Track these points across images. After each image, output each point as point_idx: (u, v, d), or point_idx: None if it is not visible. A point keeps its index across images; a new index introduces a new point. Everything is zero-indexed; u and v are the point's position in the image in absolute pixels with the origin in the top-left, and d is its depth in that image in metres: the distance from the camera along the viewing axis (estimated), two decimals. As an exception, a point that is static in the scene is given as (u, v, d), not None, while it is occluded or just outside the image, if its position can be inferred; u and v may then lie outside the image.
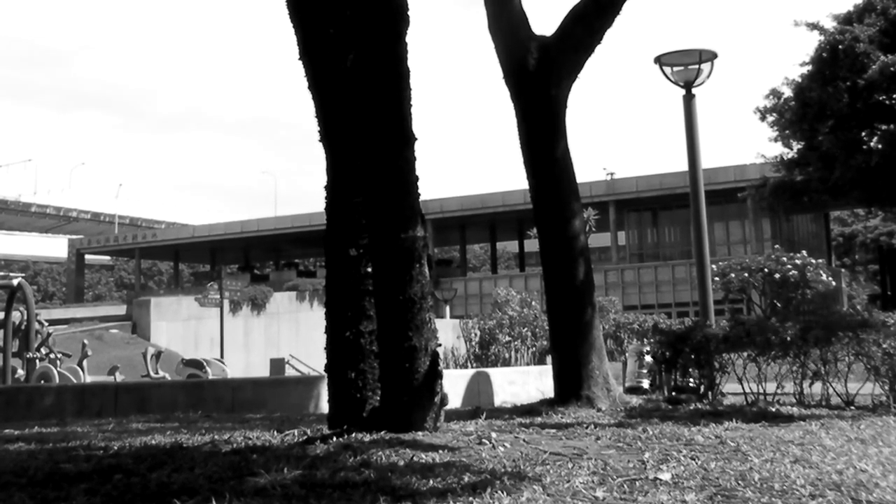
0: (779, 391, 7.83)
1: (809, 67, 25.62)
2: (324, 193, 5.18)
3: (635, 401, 7.20)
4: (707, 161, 13.12)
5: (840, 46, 24.33)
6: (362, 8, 4.72)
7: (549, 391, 7.28)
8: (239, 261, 64.69)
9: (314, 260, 64.96)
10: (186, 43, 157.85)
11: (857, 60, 23.90)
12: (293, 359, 26.99)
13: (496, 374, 11.28)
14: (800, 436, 4.47)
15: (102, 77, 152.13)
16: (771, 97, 27.03)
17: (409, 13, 4.74)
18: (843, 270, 43.76)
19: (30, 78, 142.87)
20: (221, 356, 26.34)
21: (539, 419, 5.58)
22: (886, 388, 7.14)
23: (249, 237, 56.18)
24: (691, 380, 8.32)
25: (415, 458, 3.55)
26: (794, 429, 4.85)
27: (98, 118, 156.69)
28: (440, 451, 3.76)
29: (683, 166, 10.80)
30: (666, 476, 3.09)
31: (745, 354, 7.96)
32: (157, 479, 3.24)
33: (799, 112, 25.71)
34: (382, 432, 4.30)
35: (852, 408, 6.88)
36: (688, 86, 10.13)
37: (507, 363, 16.13)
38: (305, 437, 4.49)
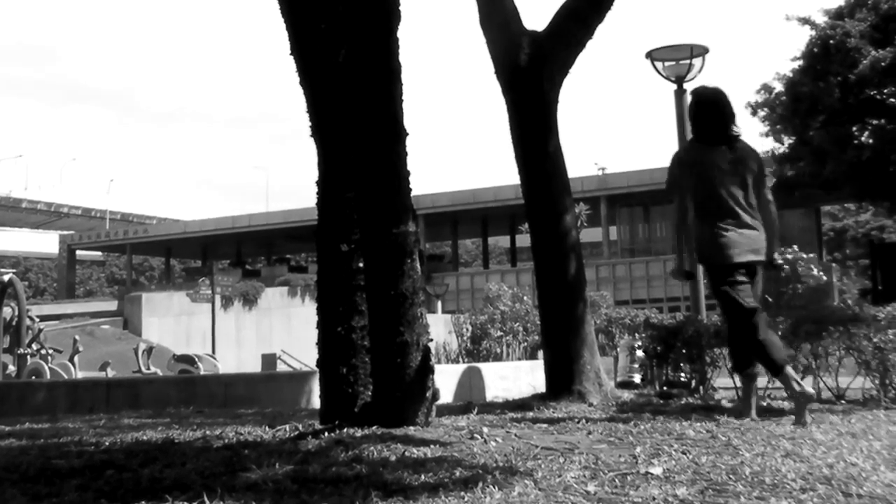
0: (770, 385, 7.86)
1: (801, 62, 25.70)
2: (315, 188, 5.17)
3: (627, 395, 7.21)
4: (698, 156, 13.08)
5: (831, 41, 24.41)
6: (354, 3, 4.71)
7: (540, 386, 7.28)
8: (230, 256, 64.56)
9: (306, 255, 64.91)
10: (177, 37, 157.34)
11: (849, 55, 23.99)
12: (285, 354, 26.93)
13: (488, 369, 11.28)
14: (791, 430, 4.49)
15: (93, 71, 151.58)
16: (762, 92, 27.12)
17: (400, 8, 4.74)
18: (833, 265, 43.92)
19: (20, 73, 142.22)
20: (213, 352, 26.33)
21: (531, 414, 5.58)
22: (877, 382, 7.16)
23: (241, 233, 56.06)
24: (683, 374, 8.35)
25: (406, 453, 3.56)
26: (785, 423, 4.87)
27: (89, 112, 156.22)
28: (432, 446, 3.76)
29: (675, 161, 10.79)
30: (657, 470, 3.10)
31: (737, 349, 7.97)
32: (149, 475, 3.24)
33: (790, 107, 25.79)
34: (374, 427, 4.29)
35: (843, 402, 6.91)
36: (679, 81, 10.15)
37: (498, 358, 16.15)
38: (297, 433, 4.48)
